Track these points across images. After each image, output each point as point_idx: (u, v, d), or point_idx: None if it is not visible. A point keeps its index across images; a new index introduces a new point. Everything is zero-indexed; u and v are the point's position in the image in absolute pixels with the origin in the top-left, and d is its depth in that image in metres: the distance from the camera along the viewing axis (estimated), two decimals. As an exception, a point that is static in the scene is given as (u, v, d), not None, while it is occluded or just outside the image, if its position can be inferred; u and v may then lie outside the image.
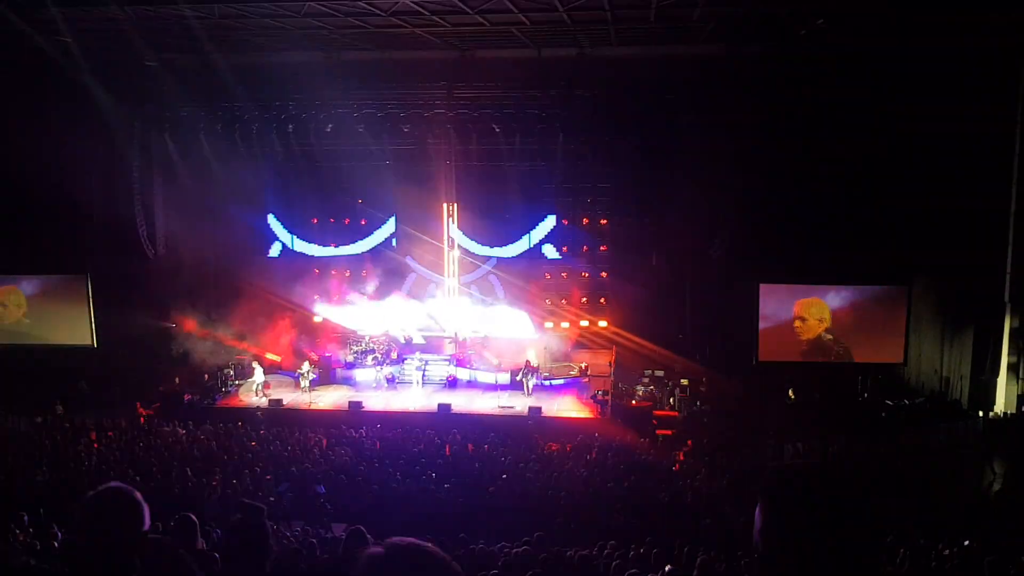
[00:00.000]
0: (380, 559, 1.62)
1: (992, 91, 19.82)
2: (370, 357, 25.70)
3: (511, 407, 22.52)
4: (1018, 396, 20.03)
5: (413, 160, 26.37)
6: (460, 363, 25.35)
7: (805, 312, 23.26)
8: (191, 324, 25.40)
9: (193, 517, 4.93)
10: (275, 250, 28.48)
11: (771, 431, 19.84)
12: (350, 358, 25.99)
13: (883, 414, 21.85)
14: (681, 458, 18.70)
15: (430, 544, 1.69)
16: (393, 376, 24.75)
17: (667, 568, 9.15)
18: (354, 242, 28.05)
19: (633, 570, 8.54)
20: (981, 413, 20.37)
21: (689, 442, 19.92)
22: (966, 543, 10.86)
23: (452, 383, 24.58)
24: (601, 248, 27.46)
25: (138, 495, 2.62)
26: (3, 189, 23.17)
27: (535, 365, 24.28)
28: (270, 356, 25.96)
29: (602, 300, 27.62)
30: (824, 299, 23.31)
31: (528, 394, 23.29)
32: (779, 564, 1.70)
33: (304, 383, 23.52)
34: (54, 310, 25.21)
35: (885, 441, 19.95)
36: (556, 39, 22.16)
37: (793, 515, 1.70)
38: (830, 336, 23.22)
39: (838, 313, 23.24)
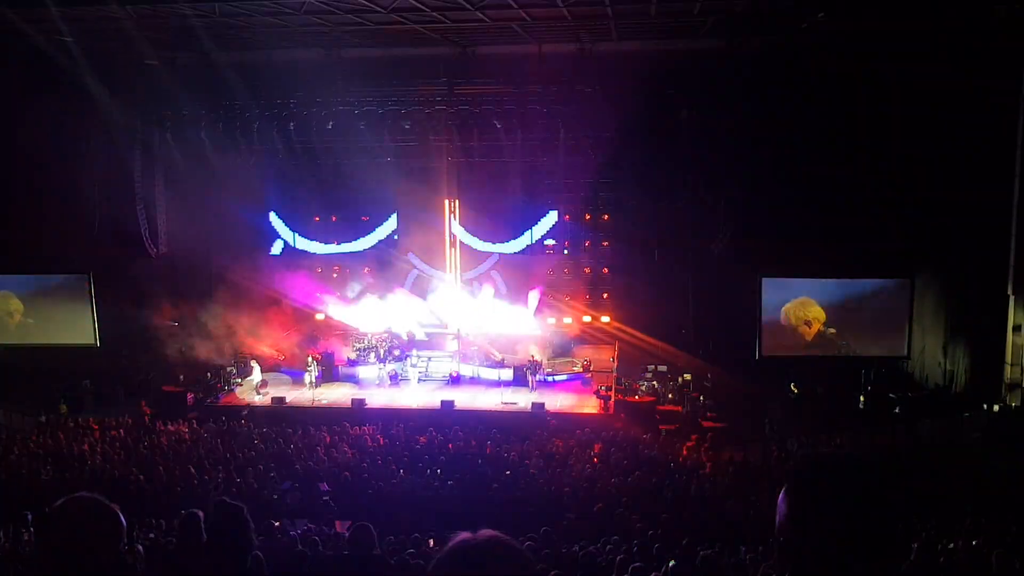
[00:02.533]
0: (469, 547, 1.56)
1: (994, 83, 19.76)
2: (373, 354, 25.68)
3: (514, 403, 22.51)
4: (1022, 389, 20.00)
5: (414, 157, 26.35)
6: (463, 359, 25.33)
7: (793, 318, 23.18)
8: (193, 322, 25.38)
9: (199, 513, 4.88)
10: (277, 248, 28.51)
11: (774, 425, 19.84)
12: (353, 355, 25.97)
13: (884, 407, 21.83)
14: (685, 453, 18.67)
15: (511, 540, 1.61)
16: (396, 373, 24.72)
17: (671, 563, 9.14)
18: (356, 239, 28.04)
19: (636, 563, 8.54)
20: (985, 406, 20.34)
21: (693, 437, 19.90)
22: (973, 543, 10.82)
23: (455, 379, 24.55)
24: (603, 243, 27.44)
25: (114, 507, 2.38)
26: (4, 189, 23.17)
27: (538, 361, 24.27)
28: (271, 352, 25.96)
29: (604, 295, 27.62)
30: (812, 296, 23.19)
31: (532, 390, 23.28)
32: (806, 551, 1.69)
33: (309, 379, 23.56)
34: (56, 310, 25.22)
35: (889, 434, 19.93)
36: (557, 35, 22.14)
37: (823, 502, 1.69)
38: (832, 331, 23.14)
39: (833, 308, 23.14)
